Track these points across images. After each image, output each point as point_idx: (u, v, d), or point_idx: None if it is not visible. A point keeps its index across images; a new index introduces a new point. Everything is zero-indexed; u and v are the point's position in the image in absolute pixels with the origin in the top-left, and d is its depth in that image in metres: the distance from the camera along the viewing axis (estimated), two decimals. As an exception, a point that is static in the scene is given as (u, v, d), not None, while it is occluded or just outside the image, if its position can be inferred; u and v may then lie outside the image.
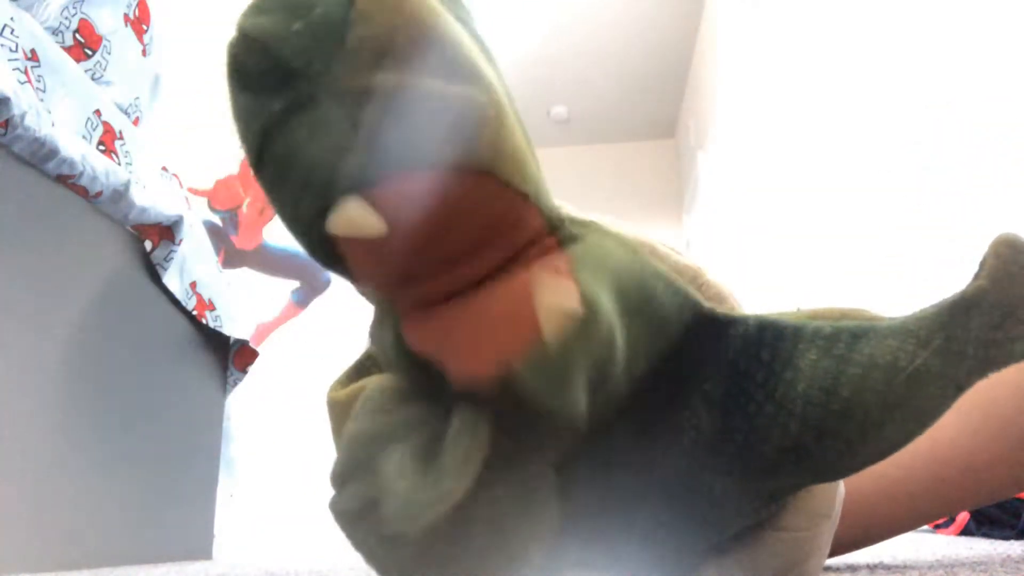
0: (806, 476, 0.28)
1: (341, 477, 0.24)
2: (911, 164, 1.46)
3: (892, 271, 1.55)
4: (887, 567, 0.54)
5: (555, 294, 0.20)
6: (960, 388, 0.25)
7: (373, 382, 0.27)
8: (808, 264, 2.07)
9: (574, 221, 0.27)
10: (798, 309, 0.30)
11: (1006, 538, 0.96)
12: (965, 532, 1.06)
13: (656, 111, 4.24)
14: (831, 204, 1.89)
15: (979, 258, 1.18)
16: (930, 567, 0.52)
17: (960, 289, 0.25)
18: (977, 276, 0.24)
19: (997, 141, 1.16)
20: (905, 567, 0.53)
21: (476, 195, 0.21)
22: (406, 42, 0.20)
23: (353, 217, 0.20)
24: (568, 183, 4.65)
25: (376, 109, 0.20)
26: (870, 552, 0.76)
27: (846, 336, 0.26)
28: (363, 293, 0.27)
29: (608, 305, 0.22)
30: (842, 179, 1.82)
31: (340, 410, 0.30)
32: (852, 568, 0.55)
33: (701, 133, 3.64)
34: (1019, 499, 0.96)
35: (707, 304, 0.28)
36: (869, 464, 0.27)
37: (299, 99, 0.20)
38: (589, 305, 0.21)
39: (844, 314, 0.27)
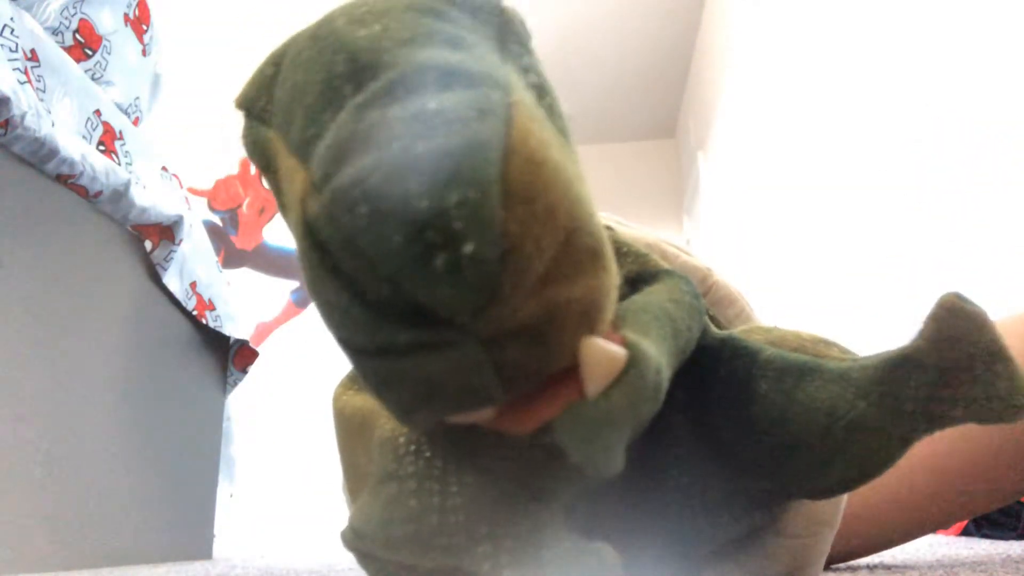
0: (782, 488, 0.28)
1: (388, 543, 0.22)
2: (912, 164, 1.46)
3: (892, 272, 1.55)
4: (887, 567, 0.54)
5: (598, 346, 0.19)
6: (906, 441, 0.24)
7: (389, 424, 0.25)
8: (808, 265, 2.07)
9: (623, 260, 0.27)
10: (774, 327, 0.30)
11: (1006, 539, 0.96)
12: (965, 533, 1.06)
13: (656, 111, 4.24)
14: (831, 204, 1.89)
15: (978, 259, 1.18)
16: (930, 567, 0.52)
17: (901, 345, 0.25)
18: (918, 335, 0.24)
19: (1000, 141, 1.16)
20: (905, 567, 0.53)
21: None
22: (559, 254, 0.17)
23: (471, 417, 0.19)
24: (568, 183, 4.63)
25: (522, 344, 0.17)
26: (870, 552, 0.76)
27: (794, 372, 0.26)
28: None
29: (653, 348, 0.21)
30: (843, 179, 1.82)
31: (349, 425, 0.29)
32: (852, 568, 0.55)
33: (701, 133, 3.64)
34: (1020, 502, 0.96)
35: (708, 322, 0.28)
36: (838, 494, 0.26)
37: (435, 342, 0.17)
38: (634, 350, 0.20)
39: (801, 343, 0.27)
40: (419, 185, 0.16)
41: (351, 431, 0.28)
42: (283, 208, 0.21)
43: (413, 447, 0.24)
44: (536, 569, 0.20)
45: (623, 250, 0.29)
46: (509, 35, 0.22)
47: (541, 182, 0.17)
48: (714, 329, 0.29)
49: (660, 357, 0.21)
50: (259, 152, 0.22)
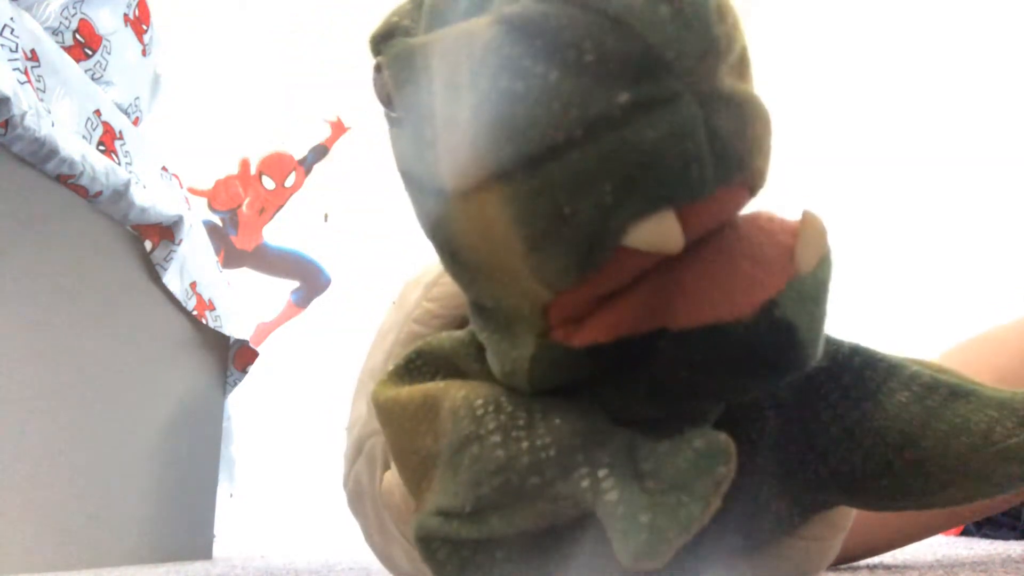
0: (849, 501, 0.27)
1: (478, 506, 0.21)
2: (912, 162, 1.46)
3: (892, 272, 1.55)
4: (887, 567, 0.54)
5: (818, 219, 0.20)
6: None
7: (460, 393, 0.24)
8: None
9: None
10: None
11: (1006, 539, 0.96)
12: (965, 532, 1.06)
13: (656, 111, 4.24)
14: (832, 205, 1.89)
15: (978, 259, 1.18)
16: (930, 567, 0.52)
17: None
18: None
19: (1002, 140, 1.16)
20: (905, 567, 0.53)
21: (744, 203, 0.20)
22: (742, 60, 0.19)
23: (665, 233, 0.18)
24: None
25: (732, 117, 0.18)
26: (870, 552, 0.76)
27: (944, 391, 0.26)
28: (485, 320, 0.24)
29: None
30: (843, 180, 1.82)
31: (406, 410, 0.27)
32: (852, 568, 0.55)
33: (701, 133, 3.63)
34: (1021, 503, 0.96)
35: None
36: (914, 509, 0.27)
37: (659, 95, 0.17)
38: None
39: (941, 368, 0.27)
40: None
41: (410, 415, 0.27)
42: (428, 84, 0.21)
43: (492, 407, 0.23)
44: (637, 480, 0.19)
45: None
46: None
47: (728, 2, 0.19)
48: (836, 337, 0.28)
49: None
50: (402, 61, 0.22)
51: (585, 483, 0.20)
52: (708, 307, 0.20)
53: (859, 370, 0.27)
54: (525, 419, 0.22)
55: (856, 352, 0.27)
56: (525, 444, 0.21)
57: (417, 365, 0.29)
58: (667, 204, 0.18)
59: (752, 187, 0.20)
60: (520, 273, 0.20)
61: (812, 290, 0.20)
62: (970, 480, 0.25)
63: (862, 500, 0.27)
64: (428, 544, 0.23)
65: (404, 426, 0.27)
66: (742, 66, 0.19)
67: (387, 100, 0.23)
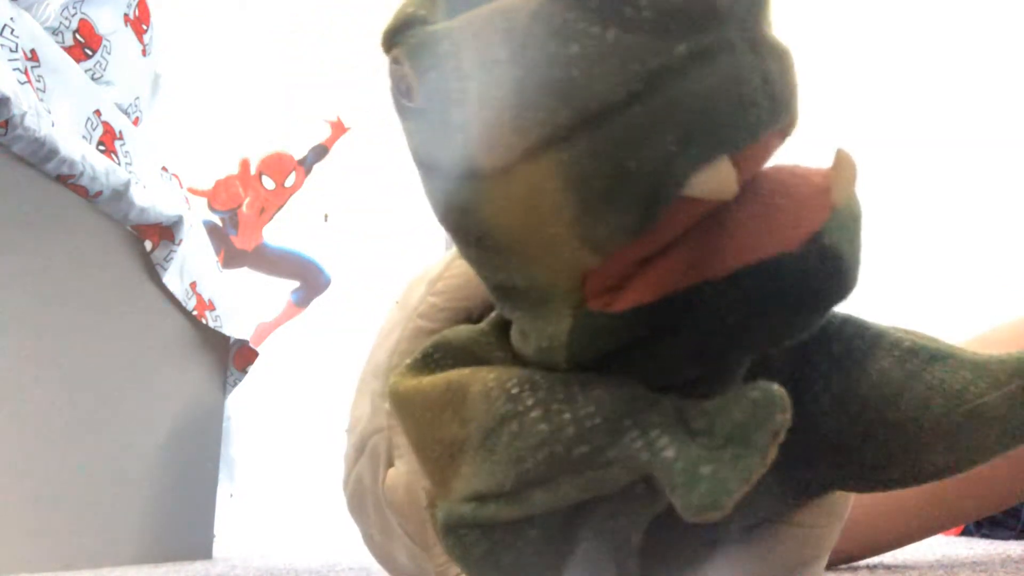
0: (839, 479, 0.28)
1: (520, 483, 0.21)
2: (911, 162, 1.46)
3: (893, 272, 1.55)
4: (887, 567, 0.54)
5: (850, 154, 0.21)
6: (1019, 439, 0.25)
7: (491, 375, 0.24)
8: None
9: None
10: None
11: (1006, 539, 0.96)
12: (965, 532, 1.06)
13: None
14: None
15: (979, 259, 1.18)
16: (930, 567, 0.52)
17: None
18: None
19: (1003, 139, 1.16)
20: (905, 567, 0.53)
21: (777, 149, 0.21)
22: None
23: (723, 179, 0.19)
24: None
25: (778, 62, 0.19)
26: (870, 552, 0.76)
27: (924, 355, 0.26)
28: (515, 302, 0.24)
29: None
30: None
31: (430, 398, 0.26)
32: (852, 568, 0.55)
33: (701, 133, 3.64)
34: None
35: None
36: (901, 486, 0.27)
37: (716, 44, 0.18)
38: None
39: (927, 337, 0.28)
40: None
41: (432, 404, 0.26)
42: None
43: (527, 385, 0.23)
44: (690, 439, 0.19)
45: None
46: None
47: None
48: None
49: None
50: (425, 49, 0.22)
51: (638, 443, 0.20)
52: (754, 246, 0.20)
53: (848, 339, 0.27)
54: (564, 393, 0.22)
55: (847, 323, 0.28)
56: (568, 415, 0.21)
57: (435, 358, 0.28)
58: (726, 150, 0.19)
59: (787, 133, 0.21)
60: (563, 243, 0.20)
61: (850, 221, 0.21)
62: (947, 442, 0.25)
63: (850, 474, 0.27)
64: (456, 531, 0.22)
65: (426, 416, 0.26)
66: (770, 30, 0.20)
67: (406, 91, 0.23)
